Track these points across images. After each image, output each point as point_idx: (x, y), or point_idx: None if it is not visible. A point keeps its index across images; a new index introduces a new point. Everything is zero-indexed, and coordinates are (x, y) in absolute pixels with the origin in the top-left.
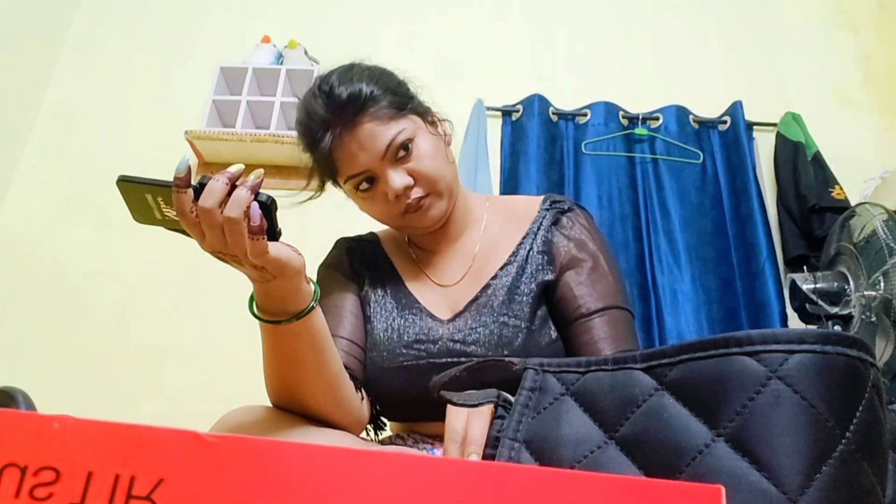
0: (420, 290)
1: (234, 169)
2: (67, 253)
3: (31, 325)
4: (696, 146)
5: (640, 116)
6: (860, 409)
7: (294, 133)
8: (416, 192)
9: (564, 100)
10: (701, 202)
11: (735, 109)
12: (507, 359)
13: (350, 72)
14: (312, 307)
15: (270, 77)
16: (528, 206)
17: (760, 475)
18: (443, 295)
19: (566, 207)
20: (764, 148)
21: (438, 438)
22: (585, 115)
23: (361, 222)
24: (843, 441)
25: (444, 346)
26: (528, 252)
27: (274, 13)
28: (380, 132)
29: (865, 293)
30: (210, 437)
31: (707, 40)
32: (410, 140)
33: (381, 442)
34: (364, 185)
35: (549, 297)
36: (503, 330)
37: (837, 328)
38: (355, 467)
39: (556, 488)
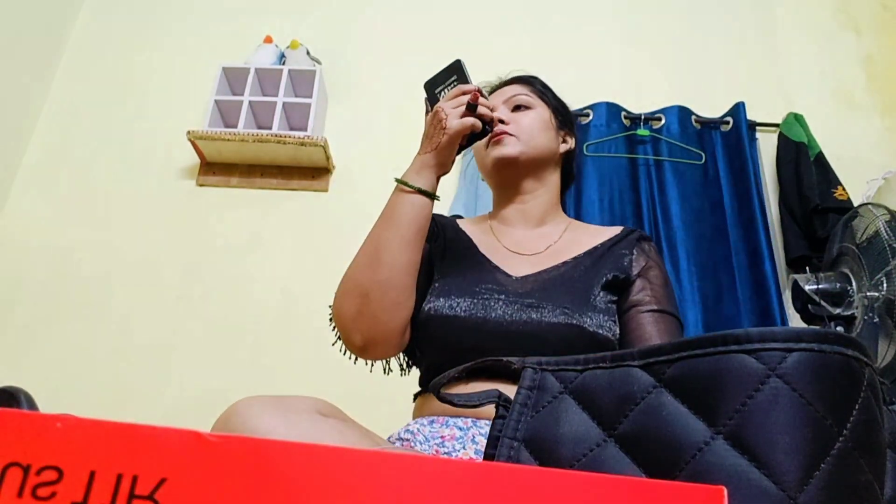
0: (494, 255)
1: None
2: (69, 253)
3: (34, 325)
4: (699, 147)
5: (643, 117)
6: (857, 407)
7: (296, 133)
8: (503, 127)
9: (566, 100)
10: (703, 204)
11: (737, 110)
12: (505, 359)
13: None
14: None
15: (272, 77)
16: (607, 229)
17: (760, 473)
18: (516, 260)
19: (644, 235)
20: (766, 148)
21: (456, 422)
22: (587, 115)
23: (363, 225)
24: (841, 439)
25: (511, 293)
26: (606, 251)
27: (276, 14)
28: (516, 90)
29: (868, 294)
30: (212, 437)
31: (709, 40)
32: (529, 106)
33: (388, 439)
34: None
35: (622, 285)
36: (567, 291)
37: (839, 329)
38: (356, 467)
39: (556, 488)
